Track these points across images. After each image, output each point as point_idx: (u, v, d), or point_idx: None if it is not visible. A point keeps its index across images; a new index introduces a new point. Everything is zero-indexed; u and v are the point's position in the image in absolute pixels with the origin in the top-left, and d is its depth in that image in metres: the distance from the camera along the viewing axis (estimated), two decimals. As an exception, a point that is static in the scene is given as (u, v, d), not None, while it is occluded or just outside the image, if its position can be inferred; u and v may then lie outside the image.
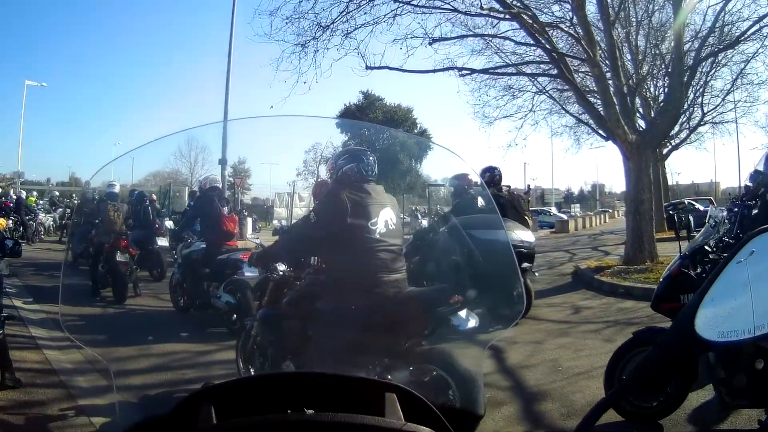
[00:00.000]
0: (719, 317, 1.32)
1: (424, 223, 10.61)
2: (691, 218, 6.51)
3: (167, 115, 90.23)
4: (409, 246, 6.59)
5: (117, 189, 12.73)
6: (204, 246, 9.35)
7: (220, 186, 10.73)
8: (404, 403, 1.49)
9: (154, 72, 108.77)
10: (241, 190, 24.30)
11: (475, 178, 9.74)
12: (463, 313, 4.24)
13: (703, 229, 6.23)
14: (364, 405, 1.44)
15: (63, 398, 6.07)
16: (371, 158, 4.60)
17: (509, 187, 11.16)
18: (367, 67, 16.91)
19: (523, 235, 7.59)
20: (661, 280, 5.93)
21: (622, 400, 4.77)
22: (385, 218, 4.40)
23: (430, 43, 17.11)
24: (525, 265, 6.82)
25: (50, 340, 7.89)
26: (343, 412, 1.35)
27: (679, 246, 6.16)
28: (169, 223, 14.97)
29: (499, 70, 19.87)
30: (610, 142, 16.32)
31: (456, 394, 3.57)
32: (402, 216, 4.93)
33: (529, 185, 51.90)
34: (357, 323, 4.15)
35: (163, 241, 12.70)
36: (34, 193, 32.75)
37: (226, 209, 9.69)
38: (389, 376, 4.03)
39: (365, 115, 52.23)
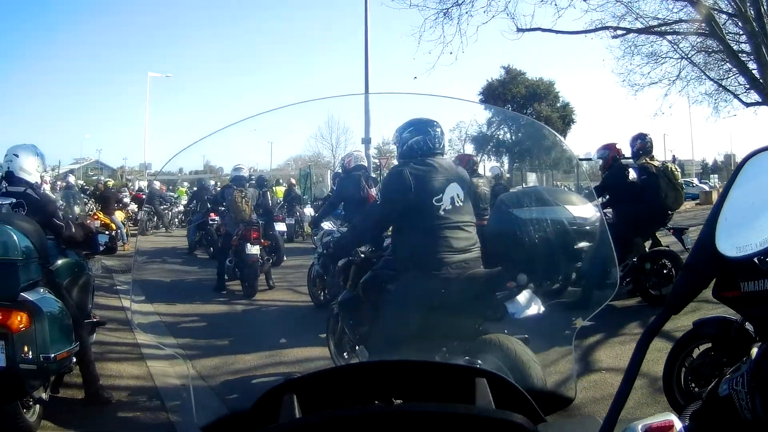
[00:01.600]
0: (734, 234, 1.26)
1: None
2: None
3: (304, 97, 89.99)
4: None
5: (244, 172, 11.67)
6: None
7: (366, 164, 9.18)
8: (493, 388, 1.44)
9: (287, 56, 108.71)
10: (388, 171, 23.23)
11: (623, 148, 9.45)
12: (522, 299, 3.87)
13: None
14: (453, 392, 1.44)
15: (158, 423, 5.11)
16: (438, 130, 4.37)
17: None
18: (518, 29, 16.59)
19: (578, 210, 6.38)
20: None
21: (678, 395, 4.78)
22: (452, 194, 4.16)
23: (583, -1, 16.15)
24: (582, 244, 5.53)
25: (158, 349, 6.78)
26: (431, 399, 1.39)
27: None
28: (309, 210, 13.86)
29: (653, 30, 18.60)
30: (745, 109, 16.36)
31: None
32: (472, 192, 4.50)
33: (674, 155, 49.37)
34: (418, 307, 4.04)
35: (280, 226, 11.99)
36: (185, 184, 32.99)
37: (373, 190, 8.60)
38: (479, 362, 3.77)
39: (508, 90, 51.02)
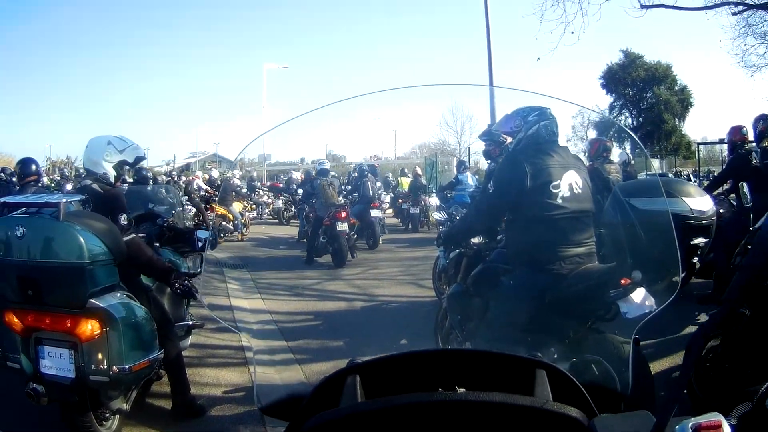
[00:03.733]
0: None
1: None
2: None
3: (425, 79, 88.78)
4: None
5: (327, 165, 13.46)
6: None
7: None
8: (553, 380, 1.43)
9: (407, 43, 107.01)
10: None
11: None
12: (636, 297, 3.50)
13: None
14: (513, 382, 1.41)
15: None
16: (556, 118, 4.09)
17: None
18: (642, 6, 15.98)
19: (695, 203, 5.95)
20: None
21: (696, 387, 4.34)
22: (570, 181, 3.85)
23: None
24: (699, 240, 5.37)
25: (267, 353, 6.07)
26: (493, 389, 1.30)
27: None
28: (433, 200, 13.67)
29: None
30: None
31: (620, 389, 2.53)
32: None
33: None
34: (527, 303, 3.80)
35: (376, 213, 12.89)
36: (332, 173, 33.67)
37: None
38: (539, 353, 3.55)
39: (628, 74, 49.13)
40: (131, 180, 11.01)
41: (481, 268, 4.48)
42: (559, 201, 3.80)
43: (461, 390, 1.32)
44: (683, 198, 5.80)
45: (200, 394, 5.00)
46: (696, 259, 5.01)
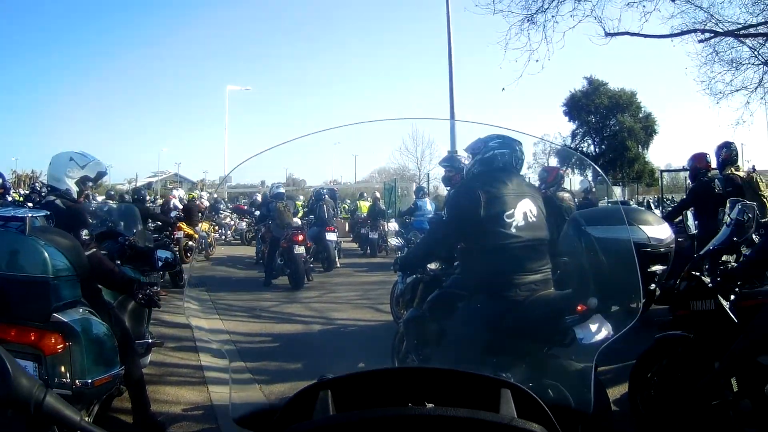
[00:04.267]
0: None
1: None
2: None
3: (387, 108, 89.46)
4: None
5: (282, 189, 13.39)
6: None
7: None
8: (517, 399, 1.48)
9: (370, 69, 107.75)
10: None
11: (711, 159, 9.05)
12: (592, 324, 3.58)
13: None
14: (479, 400, 1.44)
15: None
16: (521, 151, 4.10)
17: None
18: (606, 34, 16.37)
19: (653, 231, 5.78)
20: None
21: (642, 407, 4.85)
22: (524, 210, 3.89)
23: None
24: (656, 268, 5.25)
25: (225, 372, 5.98)
26: (459, 405, 1.35)
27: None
28: (392, 226, 13.79)
29: (739, 33, 17.83)
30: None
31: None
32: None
33: (753, 166, 47.75)
34: (483, 330, 3.82)
35: (331, 236, 12.78)
36: (301, 197, 33.64)
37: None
38: (503, 374, 2.91)
39: (591, 102, 50.14)
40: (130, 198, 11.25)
41: (438, 293, 4.50)
42: (513, 230, 3.83)
43: (430, 405, 1.39)
44: (640, 226, 6.04)
45: (160, 411, 5.07)
46: (654, 285, 5.16)
